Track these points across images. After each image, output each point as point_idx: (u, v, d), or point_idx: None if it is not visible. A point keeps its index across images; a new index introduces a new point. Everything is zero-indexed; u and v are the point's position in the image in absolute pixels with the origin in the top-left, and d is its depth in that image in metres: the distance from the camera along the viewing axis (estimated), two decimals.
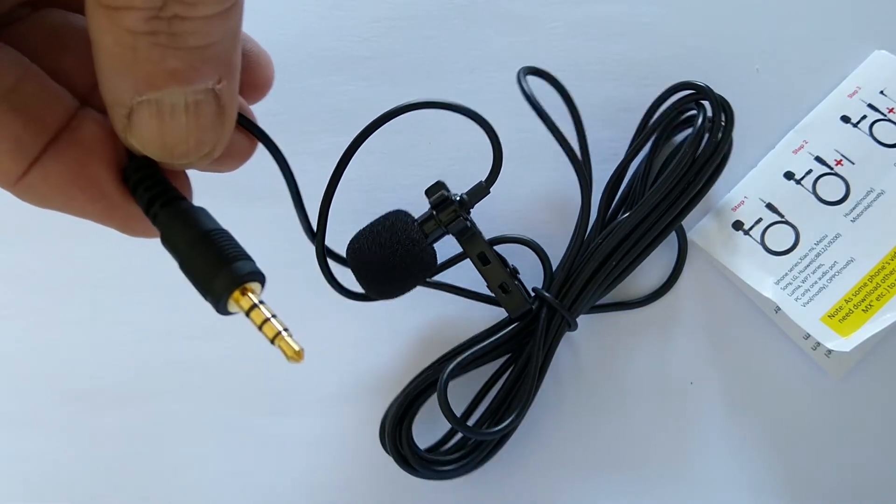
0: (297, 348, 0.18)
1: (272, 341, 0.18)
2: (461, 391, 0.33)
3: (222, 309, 0.19)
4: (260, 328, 0.19)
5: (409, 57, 0.37)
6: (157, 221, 0.20)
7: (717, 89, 0.32)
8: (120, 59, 0.17)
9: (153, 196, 0.19)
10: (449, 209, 0.31)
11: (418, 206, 0.31)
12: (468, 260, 0.32)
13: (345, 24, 0.37)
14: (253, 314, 0.18)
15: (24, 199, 0.19)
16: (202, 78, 0.17)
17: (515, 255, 0.33)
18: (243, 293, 0.18)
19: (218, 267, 0.18)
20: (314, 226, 0.29)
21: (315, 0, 0.38)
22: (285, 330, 0.18)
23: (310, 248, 0.30)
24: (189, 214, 0.20)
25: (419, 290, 0.32)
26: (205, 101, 0.18)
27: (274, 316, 0.19)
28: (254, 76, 0.23)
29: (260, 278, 0.19)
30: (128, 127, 0.18)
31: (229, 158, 0.22)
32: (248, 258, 0.19)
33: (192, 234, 0.19)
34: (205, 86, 0.18)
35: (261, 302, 0.19)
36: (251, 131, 0.23)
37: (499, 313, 0.33)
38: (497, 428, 0.31)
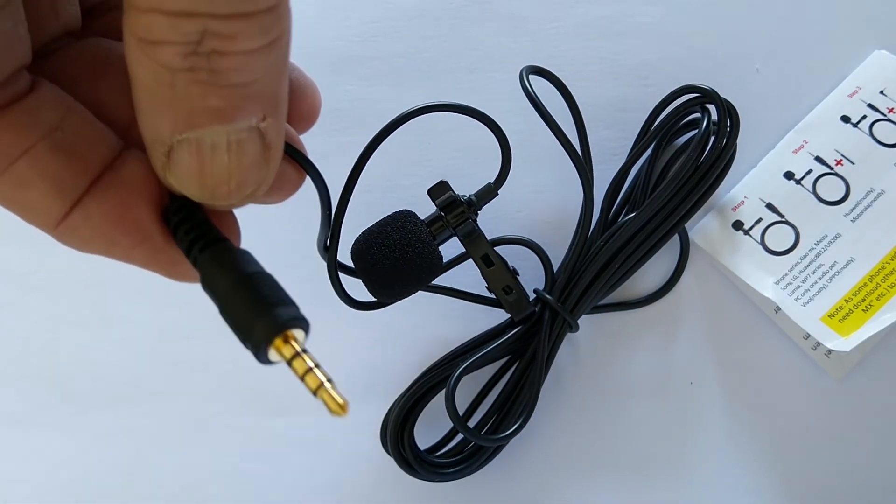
0: (340, 401, 0.17)
1: (314, 393, 0.17)
2: (458, 390, 0.33)
3: (263, 357, 0.17)
4: (302, 378, 0.17)
5: (409, 57, 0.37)
6: (197, 265, 0.18)
7: (717, 89, 0.32)
8: (158, 95, 0.16)
9: (193, 239, 0.18)
10: (457, 210, 0.30)
11: (417, 206, 0.31)
12: (466, 261, 0.32)
13: (345, 24, 0.37)
14: (295, 363, 0.17)
15: (66, 242, 0.18)
16: (245, 116, 0.16)
17: (515, 257, 0.33)
18: (285, 341, 0.17)
19: (258, 313, 0.17)
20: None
21: (315, 0, 0.37)
22: (329, 381, 0.17)
23: (311, 248, 0.30)
24: (230, 257, 0.18)
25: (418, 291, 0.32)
26: (248, 140, 0.17)
27: (318, 366, 0.17)
28: (298, 107, 0.21)
29: (303, 325, 0.18)
30: (167, 166, 0.17)
31: (276, 191, 0.21)
32: (291, 303, 0.18)
33: (232, 279, 0.18)
34: (248, 124, 0.17)
35: (304, 350, 0.17)
36: (300, 163, 0.21)
37: (497, 313, 0.33)
38: (505, 433, 0.31)
